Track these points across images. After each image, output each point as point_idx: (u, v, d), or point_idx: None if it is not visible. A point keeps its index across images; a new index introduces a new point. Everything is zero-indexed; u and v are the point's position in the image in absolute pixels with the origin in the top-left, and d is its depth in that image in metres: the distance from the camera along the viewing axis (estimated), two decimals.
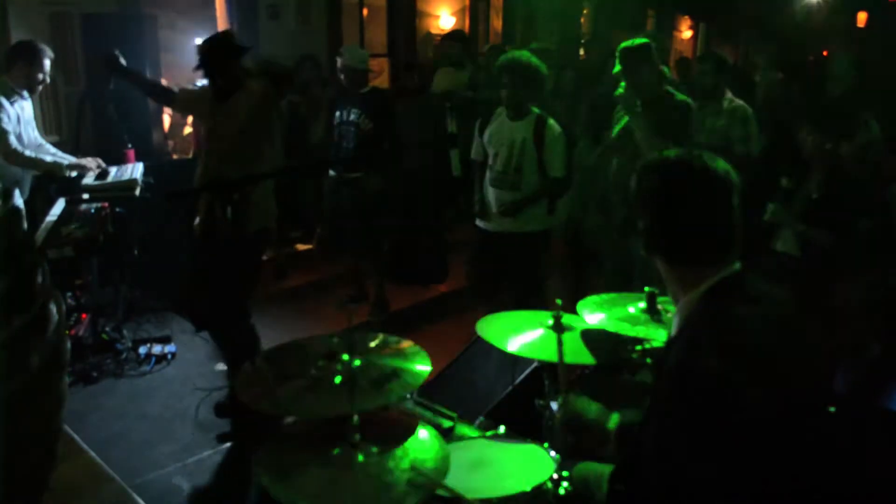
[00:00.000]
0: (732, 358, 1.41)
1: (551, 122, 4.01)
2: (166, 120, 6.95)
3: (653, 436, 1.49)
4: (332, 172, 5.07)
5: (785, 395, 1.44)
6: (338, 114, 4.96)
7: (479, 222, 4.29)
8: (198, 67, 3.51)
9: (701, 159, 1.56)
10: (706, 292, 1.52)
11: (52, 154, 4.41)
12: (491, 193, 4.15)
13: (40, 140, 4.50)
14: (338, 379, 1.84)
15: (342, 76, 4.93)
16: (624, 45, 3.83)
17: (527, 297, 4.22)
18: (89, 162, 4.40)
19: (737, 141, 4.36)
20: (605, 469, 1.77)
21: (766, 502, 1.42)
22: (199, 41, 3.58)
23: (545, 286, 4.44)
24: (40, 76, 4.27)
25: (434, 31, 8.83)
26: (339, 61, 4.96)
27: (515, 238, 4.11)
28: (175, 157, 6.46)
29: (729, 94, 4.53)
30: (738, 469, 1.39)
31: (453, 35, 6.66)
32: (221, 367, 4.11)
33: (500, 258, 4.26)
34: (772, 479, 1.40)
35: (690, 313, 1.54)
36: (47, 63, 4.27)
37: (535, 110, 4.05)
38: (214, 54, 3.46)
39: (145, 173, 4.42)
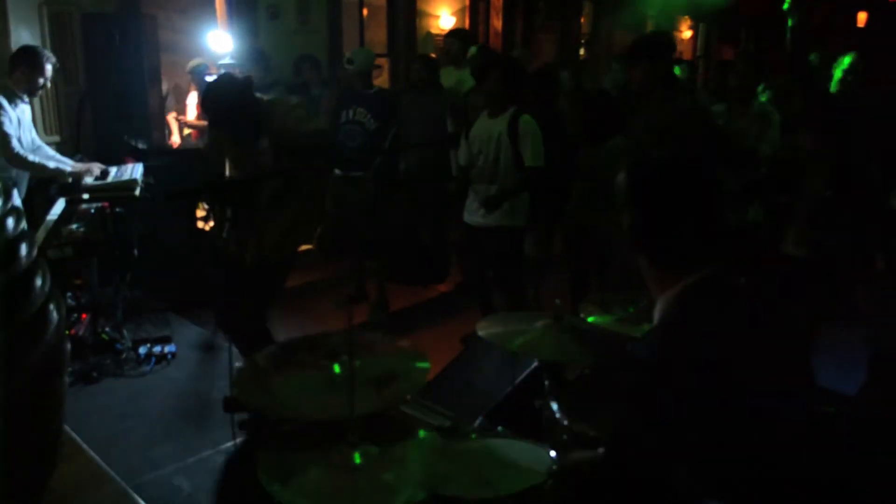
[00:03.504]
0: (704, 359, 1.41)
1: (526, 116, 4.04)
2: (173, 123, 6.95)
3: (632, 431, 1.49)
4: (336, 171, 5.07)
5: (756, 396, 1.43)
6: (343, 113, 4.98)
7: (465, 217, 4.33)
8: (206, 112, 3.43)
9: (686, 159, 1.57)
10: (683, 291, 1.52)
11: (51, 157, 4.41)
12: (474, 188, 4.20)
13: (38, 142, 4.51)
14: (337, 378, 1.84)
15: (354, 79, 5.01)
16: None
17: (512, 294, 4.24)
18: (91, 168, 4.39)
19: (754, 140, 4.34)
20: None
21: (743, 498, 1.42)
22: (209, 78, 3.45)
23: (535, 285, 4.44)
24: (41, 81, 4.32)
25: (434, 31, 8.84)
26: (348, 68, 5.01)
27: (491, 232, 4.14)
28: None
29: (758, 98, 4.52)
30: (709, 465, 1.39)
31: (455, 33, 6.64)
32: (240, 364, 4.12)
33: (481, 252, 4.31)
34: (749, 477, 1.40)
35: (666, 312, 1.55)
36: (49, 68, 4.32)
37: (513, 107, 4.07)
38: (226, 106, 3.24)
39: (145, 173, 4.42)
